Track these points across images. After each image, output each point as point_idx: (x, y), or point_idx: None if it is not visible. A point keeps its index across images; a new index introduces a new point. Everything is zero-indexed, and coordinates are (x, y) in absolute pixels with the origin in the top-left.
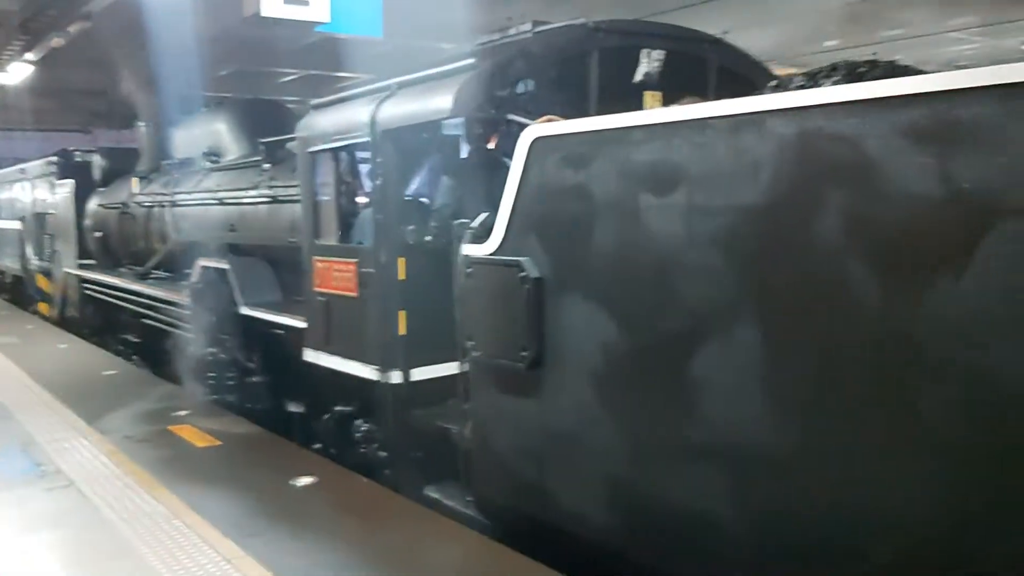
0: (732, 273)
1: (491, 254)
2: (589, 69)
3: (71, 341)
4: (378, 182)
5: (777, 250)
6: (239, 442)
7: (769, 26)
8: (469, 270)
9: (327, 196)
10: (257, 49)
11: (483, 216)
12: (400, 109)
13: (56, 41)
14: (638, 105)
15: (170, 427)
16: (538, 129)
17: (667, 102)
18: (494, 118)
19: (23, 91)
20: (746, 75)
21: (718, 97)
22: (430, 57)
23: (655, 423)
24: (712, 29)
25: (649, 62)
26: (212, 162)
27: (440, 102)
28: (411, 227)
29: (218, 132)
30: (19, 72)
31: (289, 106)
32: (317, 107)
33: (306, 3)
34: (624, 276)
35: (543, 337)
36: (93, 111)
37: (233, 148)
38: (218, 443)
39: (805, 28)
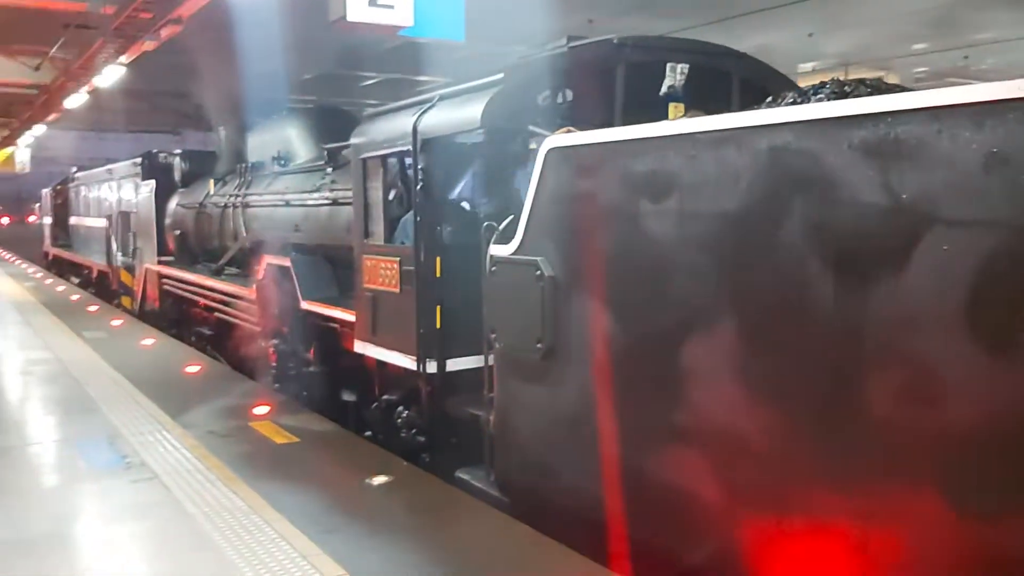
0: (714, 272)
1: (512, 254)
2: (615, 82)
3: (157, 337)
4: (418, 187)
5: (751, 251)
6: (317, 439)
7: (854, 28)
8: (493, 268)
9: (375, 199)
10: (341, 53)
11: (509, 219)
12: (438, 120)
13: (148, 44)
14: (664, 116)
15: (251, 423)
16: (553, 140)
17: (690, 113)
18: (516, 129)
19: (116, 93)
20: (768, 87)
21: (740, 108)
22: (507, 61)
23: (646, 408)
24: (796, 32)
25: (674, 75)
26: (281, 165)
27: (470, 114)
28: (447, 228)
29: (288, 137)
30: (112, 74)
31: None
32: (369, 117)
33: (391, 7)
34: (623, 274)
35: (556, 330)
36: (182, 113)
37: (301, 152)
38: (296, 440)
39: (892, 31)
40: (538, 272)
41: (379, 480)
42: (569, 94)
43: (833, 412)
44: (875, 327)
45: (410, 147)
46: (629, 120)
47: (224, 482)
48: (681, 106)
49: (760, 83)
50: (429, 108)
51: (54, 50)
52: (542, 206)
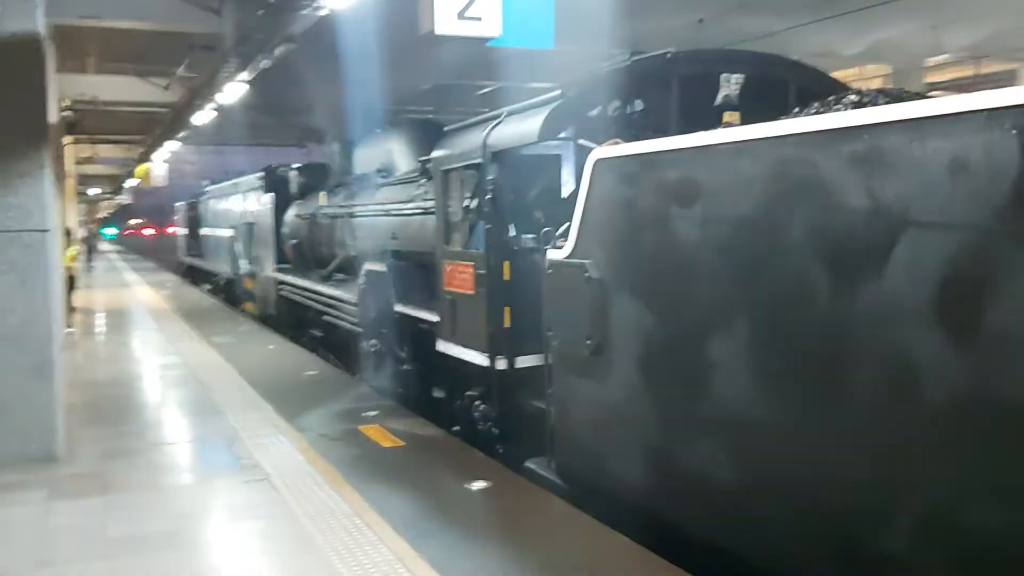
0: (733, 272)
1: (566, 257)
2: (670, 94)
3: (279, 342)
4: (487, 196)
5: (763, 252)
6: (421, 444)
7: (979, 21)
8: (550, 271)
9: (453, 208)
10: (456, 63)
11: (566, 225)
12: (504, 134)
13: (264, 62)
14: (719, 125)
15: (360, 427)
16: (600, 151)
17: (746, 122)
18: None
19: (242, 109)
20: (823, 94)
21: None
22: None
23: (679, 400)
24: (919, 24)
25: (728, 86)
26: (383, 177)
27: (530, 128)
28: (513, 234)
29: (390, 150)
30: (234, 92)
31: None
32: (449, 132)
33: (479, 18)
34: (658, 275)
35: (603, 328)
36: (306, 127)
37: (401, 165)
38: (402, 444)
39: (1019, 22)
40: (586, 274)
41: (478, 485)
42: (627, 106)
43: (824, 401)
44: (859, 322)
45: (480, 160)
46: (683, 130)
47: (330, 485)
48: (736, 115)
49: (817, 90)
50: (498, 123)
51: (181, 70)
52: (591, 213)
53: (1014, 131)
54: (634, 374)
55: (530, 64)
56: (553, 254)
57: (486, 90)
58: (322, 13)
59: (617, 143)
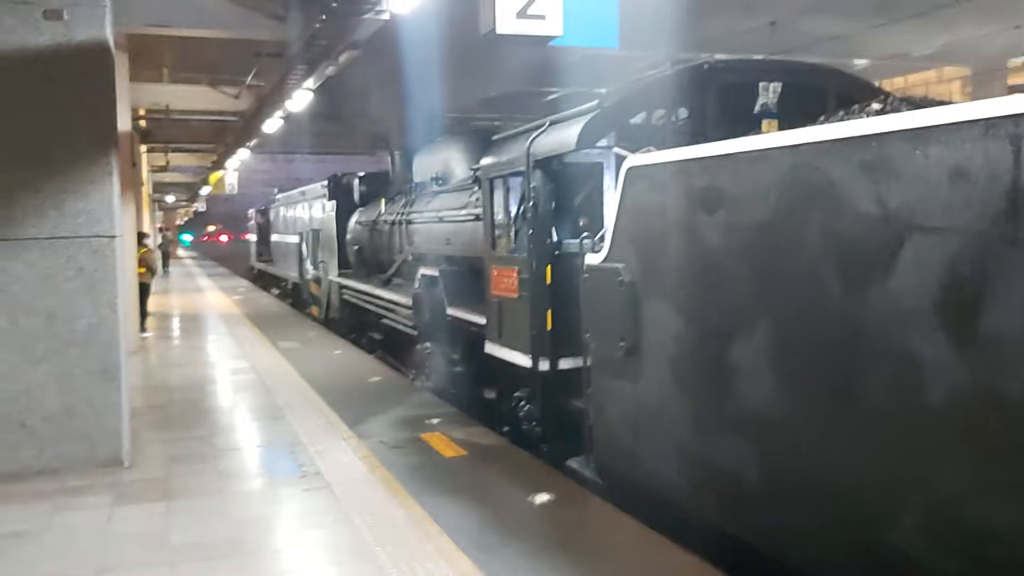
0: (754, 275)
1: (601, 262)
2: (709, 103)
3: (345, 348)
4: (531, 203)
5: (780, 256)
6: (483, 453)
7: None
8: (586, 275)
9: (500, 215)
10: (523, 69)
11: (603, 230)
12: (546, 143)
13: (329, 69)
14: (758, 133)
15: (422, 435)
16: (632, 160)
17: (784, 129)
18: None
19: (308, 117)
20: (861, 101)
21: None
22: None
23: (706, 399)
24: (999, 25)
25: (767, 94)
26: (439, 185)
27: (569, 137)
28: (555, 240)
29: (446, 159)
30: (301, 99)
31: None
32: (496, 141)
33: (541, 16)
34: (684, 278)
35: (636, 330)
36: (372, 135)
37: (457, 172)
38: (464, 453)
39: None
40: (620, 278)
41: (541, 498)
42: (668, 115)
43: (835, 401)
44: (869, 324)
45: (524, 168)
46: (722, 139)
47: (391, 494)
48: (774, 123)
49: (856, 97)
50: (541, 133)
51: (250, 78)
52: (624, 219)
53: (1008, 140)
54: (664, 374)
55: (595, 69)
56: (590, 258)
57: (552, 96)
58: (384, 18)
59: (650, 151)
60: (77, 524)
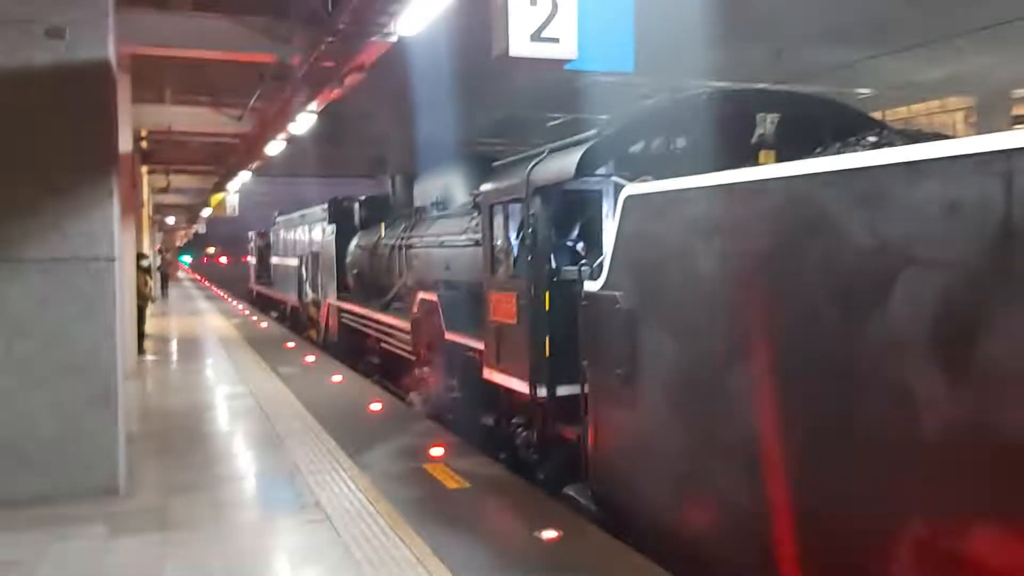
0: (748, 303)
1: (599, 289)
2: (707, 132)
3: (345, 373)
4: (529, 230)
5: (776, 285)
6: (487, 485)
7: None
8: (584, 303)
9: (499, 241)
10: (526, 95)
11: (601, 257)
12: (545, 171)
13: (334, 92)
14: (754, 163)
15: (424, 464)
16: (629, 188)
17: (781, 159)
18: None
19: (311, 140)
20: (858, 132)
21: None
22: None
23: (701, 425)
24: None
25: (764, 125)
26: (439, 210)
27: (568, 165)
28: (552, 266)
29: (447, 184)
30: (304, 122)
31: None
32: (497, 167)
33: (555, 39)
34: (680, 305)
35: (633, 356)
36: (375, 158)
37: (458, 197)
38: (467, 484)
39: None
40: (617, 305)
41: (548, 535)
42: (668, 143)
43: (833, 426)
44: (865, 353)
45: (523, 195)
46: (720, 168)
47: (392, 528)
48: (772, 153)
49: (850, 128)
50: (540, 160)
51: (253, 101)
52: (621, 246)
53: (999, 175)
54: (659, 401)
55: (604, 95)
56: (589, 285)
57: (556, 121)
58: (391, 40)
59: (647, 180)
60: (72, 555)
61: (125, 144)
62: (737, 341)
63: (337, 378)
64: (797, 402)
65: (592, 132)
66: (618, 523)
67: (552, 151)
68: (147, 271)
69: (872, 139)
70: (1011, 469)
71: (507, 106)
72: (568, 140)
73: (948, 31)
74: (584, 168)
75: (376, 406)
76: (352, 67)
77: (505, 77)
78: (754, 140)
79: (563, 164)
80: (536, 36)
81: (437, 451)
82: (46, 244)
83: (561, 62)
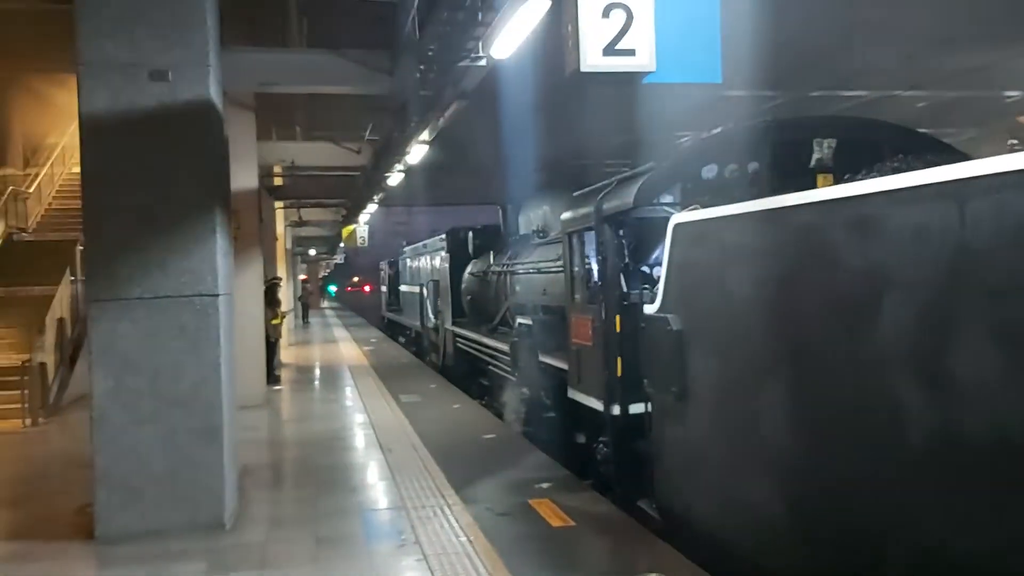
0: (774, 324)
1: (655, 312)
2: (760, 160)
3: (464, 402)
4: (600, 256)
5: (793, 307)
6: (594, 524)
7: None
8: (643, 325)
9: (577, 267)
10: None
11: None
12: (612, 201)
13: (441, 121)
14: (812, 187)
15: (530, 500)
16: (678, 216)
17: (838, 182)
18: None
19: (426, 170)
20: (914, 153)
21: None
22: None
23: (741, 440)
24: None
25: (821, 149)
26: (540, 238)
27: (627, 196)
28: (624, 290)
29: (546, 212)
30: (417, 152)
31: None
32: (575, 197)
33: (631, 51)
34: (720, 327)
35: (683, 376)
36: (494, 187)
37: (555, 225)
38: (572, 524)
39: None
40: (669, 327)
41: None
42: (718, 173)
43: (829, 433)
44: (860, 372)
45: (593, 224)
46: (776, 192)
47: (488, 570)
48: (829, 176)
49: (910, 150)
50: (609, 191)
51: (368, 133)
52: (673, 271)
53: (955, 202)
54: (705, 418)
55: (734, 110)
56: (647, 308)
57: (685, 139)
58: (481, 64)
59: (696, 208)
60: None
61: (250, 180)
62: (766, 360)
63: (456, 406)
64: (825, 416)
65: (650, 164)
66: (678, 533)
67: (620, 181)
68: (276, 304)
69: (895, 164)
70: (973, 467)
71: (625, 127)
72: (633, 172)
73: None
74: (641, 199)
75: (489, 436)
76: (451, 94)
77: (619, 98)
78: (812, 164)
79: (624, 195)
80: (609, 49)
81: (544, 485)
82: (151, 281)
83: (638, 76)
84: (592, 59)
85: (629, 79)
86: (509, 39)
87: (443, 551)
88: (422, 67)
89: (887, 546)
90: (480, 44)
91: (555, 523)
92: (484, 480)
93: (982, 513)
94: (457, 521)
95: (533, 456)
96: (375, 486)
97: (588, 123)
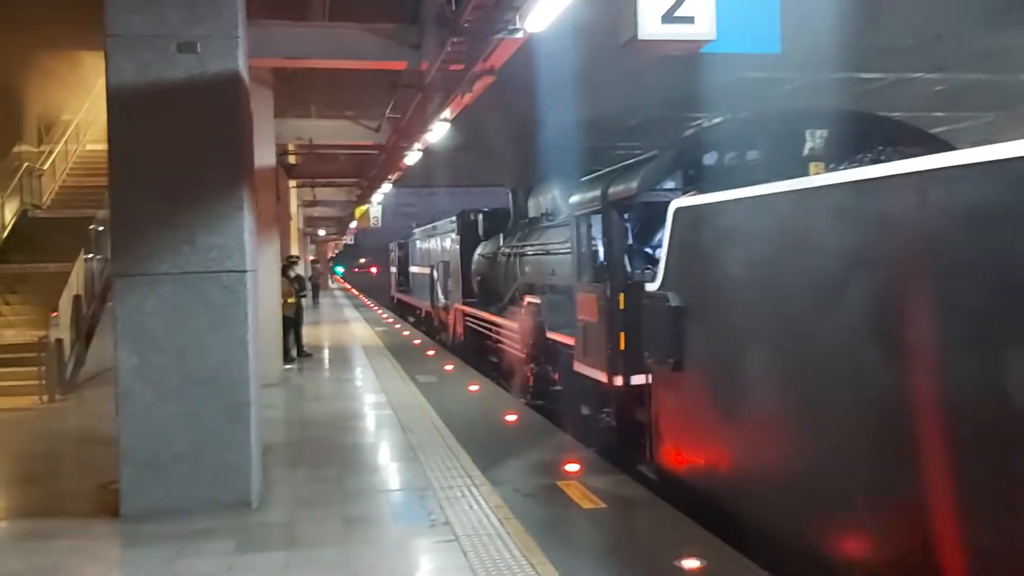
0: (767, 302)
1: (656, 290)
2: (757, 149)
3: (483, 383)
4: (606, 238)
5: (782, 286)
6: (624, 506)
7: None
8: (645, 301)
9: (584, 248)
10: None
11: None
12: (617, 187)
13: (466, 98)
14: (805, 174)
15: (559, 482)
16: (677, 201)
17: (829, 170)
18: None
19: (445, 150)
20: (903, 143)
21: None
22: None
23: (733, 404)
24: None
25: (813, 139)
26: (548, 220)
27: (631, 183)
28: (628, 270)
29: (554, 196)
30: (439, 131)
31: None
32: (583, 182)
33: (690, 18)
34: (717, 303)
35: (680, 348)
36: (507, 168)
37: (564, 209)
38: (603, 505)
39: None
40: (668, 303)
41: (689, 564)
42: (715, 162)
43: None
44: (831, 347)
45: (600, 207)
46: (771, 180)
47: (522, 551)
48: (820, 165)
49: (900, 142)
50: (615, 177)
51: (388, 110)
52: (672, 251)
53: (916, 192)
54: (699, 383)
55: (749, 90)
56: (648, 287)
57: (698, 122)
58: (518, 37)
59: (693, 194)
60: (196, 571)
61: (268, 157)
62: (753, 333)
63: (474, 387)
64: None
65: (653, 153)
66: (674, 492)
67: (627, 168)
68: (295, 281)
69: (872, 156)
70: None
71: (642, 109)
72: (638, 159)
73: None
74: (644, 185)
75: (512, 417)
76: (480, 69)
77: (636, 76)
78: (805, 153)
79: (629, 181)
80: (668, 17)
81: (572, 467)
82: (178, 257)
83: (698, 43)
84: (650, 27)
85: (689, 48)
86: (547, 10)
87: (474, 532)
88: (455, 40)
89: (855, 494)
90: (517, 16)
91: (586, 505)
92: (509, 461)
93: (938, 464)
94: (486, 502)
95: (557, 438)
96: (399, 466)
97: (606, 102)
